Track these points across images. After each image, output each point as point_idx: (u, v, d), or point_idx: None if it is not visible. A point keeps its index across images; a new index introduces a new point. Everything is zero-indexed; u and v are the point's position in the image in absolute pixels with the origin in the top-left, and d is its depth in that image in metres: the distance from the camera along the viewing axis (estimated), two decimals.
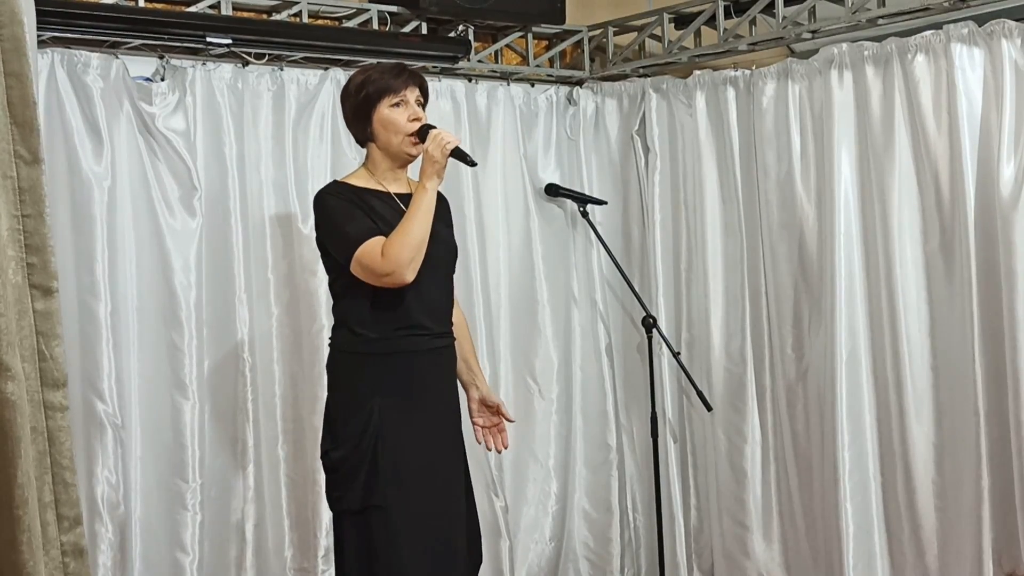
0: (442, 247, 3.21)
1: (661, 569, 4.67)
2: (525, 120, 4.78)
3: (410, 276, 3.02)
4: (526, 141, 4.78)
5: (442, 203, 3.27)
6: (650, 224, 4.81)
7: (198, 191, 3.90)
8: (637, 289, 4.72)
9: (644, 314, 4.62)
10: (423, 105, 3.24)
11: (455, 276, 3.34)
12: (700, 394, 4.53)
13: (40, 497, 2.00)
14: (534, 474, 4.75)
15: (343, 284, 3.14)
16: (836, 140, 4.19)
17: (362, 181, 3.20)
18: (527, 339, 4.75)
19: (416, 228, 3.02)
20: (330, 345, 3.24)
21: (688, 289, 4.73)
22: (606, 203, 4.86)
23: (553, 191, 4.80)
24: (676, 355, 4.61)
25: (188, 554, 3.84)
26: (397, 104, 3.16)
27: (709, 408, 4.54)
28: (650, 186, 4.80)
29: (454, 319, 3.33)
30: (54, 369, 2.04)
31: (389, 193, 3.18)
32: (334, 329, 3.23)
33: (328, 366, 3.24)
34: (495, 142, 4.69)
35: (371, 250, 3.02)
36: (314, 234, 3.24)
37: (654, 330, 4.60)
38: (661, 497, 4.67)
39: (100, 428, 3.74)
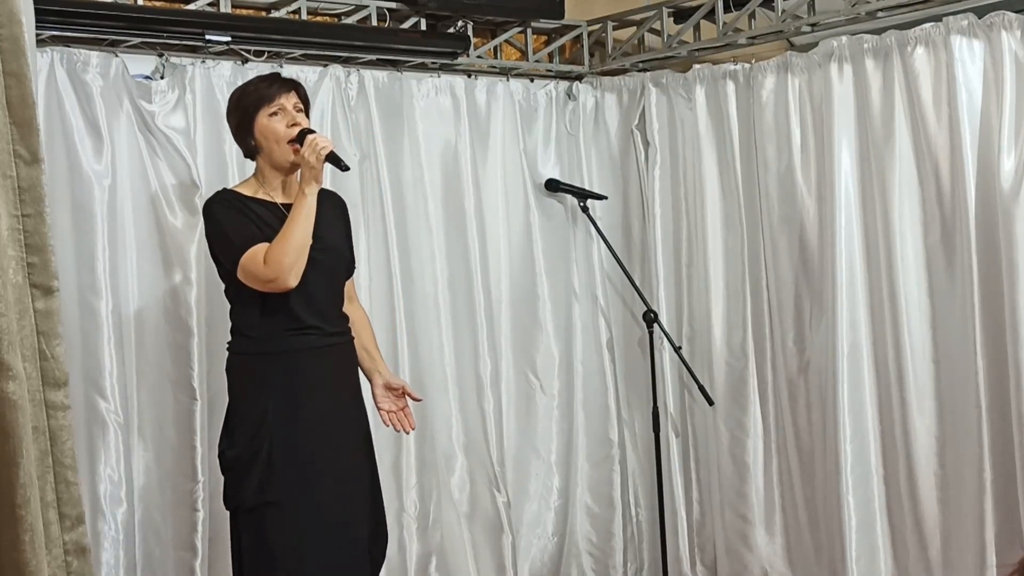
0: (329, 251, 3.28)
1: (664, 563, 4.67)
2: (525, 115, 4.78)
3: (293, 281, 3.11)
4: (526, 136, 4.77)
5: (336, 204, 3.42)
6: (650, 218, 4.81)
7: (199, 189, 3.90)
8: (638, 284, 4.72)
9: (645, 309, 4.62)
10: (305, 111, 3.32)
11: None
12: (701, 388, 4.54)
13: (42, 496, 2.00)
14: (536, 469, 4.76)
15: (235, 290, 3.24)
16: (836, 133, 4.19)
17: (250, 191, 3.30)
18: (528, 334, 4.76)
19: (296, 234, 3.11)
20: (227, 349, 3.34)
21: (689, 283, 4.73)
22: (606, 198, 4.86)
23: (553, 186, 4.79)
24: (677, 349, 4.61)
25: (193, 553, 3.84)
26: (275, 113, 3.24)
27: (711, 402, 4.55)
28: (650, 180, 4.80)
29: (354, 315, 3.44)
30: (55, 368, 2.04)
31: (276, 204, 3.26)
32: (230, 333, 3.32)
33: (226, 369, 3.34)
34: (495, 138, 4.69)
35: (254, 257, 3.11)
36: None
37: (655, 324, 4.60)
38: (663, 491, 4.67)
39: (102, 426, 3.75)
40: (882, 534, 4.16)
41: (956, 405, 3.99)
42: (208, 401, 3.89)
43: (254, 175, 3.34)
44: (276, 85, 3.28)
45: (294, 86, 3.32)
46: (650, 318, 4.60)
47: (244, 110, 3.26)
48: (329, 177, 4.04)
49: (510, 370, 4.71)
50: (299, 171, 3.20)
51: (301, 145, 3.18)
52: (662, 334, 4.63)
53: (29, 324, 2.00)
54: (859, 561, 4.15)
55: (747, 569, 4.54)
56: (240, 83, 3.99)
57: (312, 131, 3.23)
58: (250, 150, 3.31)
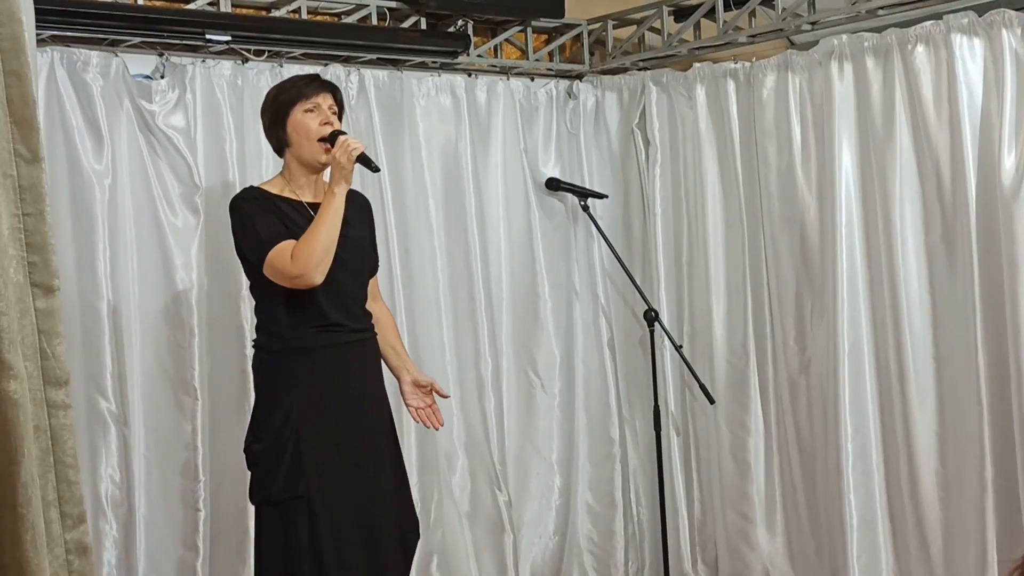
0: (354, 249, 3.31)
1: (665, 562, 4.67)
2: (525, 114, 4.78)
3: (319, 278, 3.13)
4: (526, 135, 4.77)
5: (361, 205, 3.45)
6: (651, 217, 4.81)
7: (199, 188, 3.90)
8: (639, 282, 4.72)
9: (646, 307, 4.62)
10: (339, 114, 3.35)
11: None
12: (703, 387, 4.53)
13: (44, 495, 1.99)
14: (537, 468, 4.76)
15: (261, 287, 3.27)
16: (837, 132, 4.19)
17: (277, 188, 3.32)
18: (529, 333, 4.76)
19: (324, 232, 3.14)
20: (253, 346, 3.37)
21: (690, 282, 4.73)
22: (607, 197, 4.86)
23: (554, 185, 4.79)
24: (678, 348, 4.61)
25: (195, 552, 3.84)
26: (310, 110, 3.27)
27: (712, 401, 4.55)
28: (651, 179, 4.80)
29: (378, 312, 3.49)
30: (56, 367, 2.03)
31: (302, 202, 3.29)
32: (256, 330, 3.35)
33: (252, 366, 3.37)
34: (495, 137, 4.69)
35: (281, 253, 3.14)
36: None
37: (656, 323, 4.60)
38: (664, 490, 4.67)
39: (103, 425, 3.75)
40: (883, 532, 4.17)
41: (957, 403, 3.99)
42: (209, 400, 3.90)
43: (280, 173, 3.37)
44: (315, 84, 3.33)
45: (331, 88, 3.36)
46: (651, 317, 4.60)
47: (280, 105, 3.30)
48: None
49: (511, 369, 4.71)
50: (328, 171, 3.23)
51: (332, 145, 3.21)
52: (663, 333, 4.63)
53: (30, 323, 1.99)
54: (860, 559, 4.15)
55: (748, 568, 4.54)
56: (240, 82, 4.03)
57: (344, 132, 3.26)
58: (280, 144, 3.33)
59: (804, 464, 4.42)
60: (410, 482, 4.25)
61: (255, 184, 3.42)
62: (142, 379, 3.84)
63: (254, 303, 3.37)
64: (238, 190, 3.95)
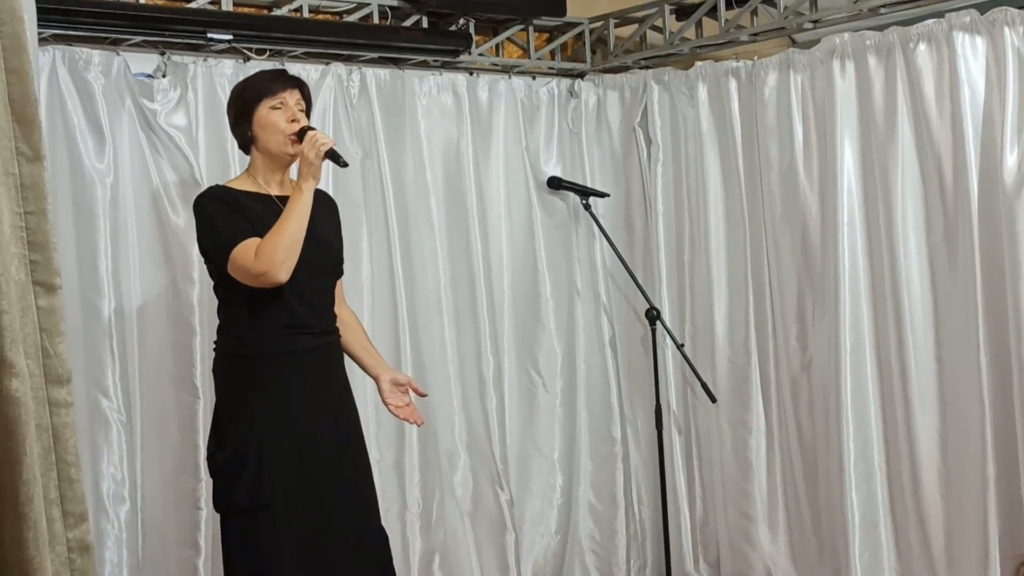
0: (322, 248, 3.24)
1: (667, 561, 4.67)
2: (527, 113, 4.78)
3: (283, 276, 3.05)
4: (528, 134, 4.77)
5: (328, 204, 3.39)
6: (653, 216, 4.81)
7: (201, 187, 3.89)
8: (640, 281, 4.72)
9: (648, 306, 4.62)
10: (307, 110, 3.29)
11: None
12: (704, 386, 4.53)
13: (45, 494, 2.00)
14: (539, 467, 4.75)
15: (224, 288, 3.19)
16: (839, 130, 4.19)
17: (243, 185, 3.25)
18: (530, 332, 4.75)
19: (290, 228, 3.06)
20: (215, 349, 3.28)
21: (691, 281, 4.73)
22: (608, 196, 4.85)
23: (555, 184, 4.79)
24: (680, 347, 4.61)
25: (196, 551, 3.83)
26: (277, 107, 3.21)
27: (713, 400, 4.54)
28: (652, 178, 4.80)
29: (346, 315, 3.42)
30: (58, 366, 2.03)
31: (270, 196, 3.22)
32: (218, 333, 3.27)
33: (213, 370, 3.28)
34: (497, 136, 4.69)
35: (245, 251, 3.06)
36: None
37: (658, 322, 4.60)
38: (666, 489, 4.67)
39: (105, 425, 3.75)
40: (885, 531, 4.16)
41: (959, 401, 3.99)
42: (210, 399, 3.88)
43: (247, 170, 3.31)
44: (280, 80, 3.26)
45: (298, 84, 3.30)
46: (652, 315, 4.60)
47: (245, 101, 3.23)
48: (331, 175, 4.06)
49: (512, 368, 4.70)
50: (296, 167, 3.18)
51: (301, 141, 3.16)
52: (665, 331, 4.63)
53: (32, 321, 2.00)
54: (862, 558, 4.15)
55: (750, 567, 4.54)
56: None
57: (313, 128, 3.20)
58: (246, 140, 3.27)
59: (806, 463, 4.42)
60: (412, 481, 4.28)
61: (219, 183, 3.36)
62: (144, 377, 3.84)
63: (216, 304, 3.28)
64: None
